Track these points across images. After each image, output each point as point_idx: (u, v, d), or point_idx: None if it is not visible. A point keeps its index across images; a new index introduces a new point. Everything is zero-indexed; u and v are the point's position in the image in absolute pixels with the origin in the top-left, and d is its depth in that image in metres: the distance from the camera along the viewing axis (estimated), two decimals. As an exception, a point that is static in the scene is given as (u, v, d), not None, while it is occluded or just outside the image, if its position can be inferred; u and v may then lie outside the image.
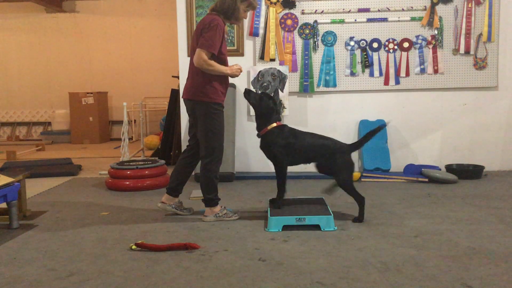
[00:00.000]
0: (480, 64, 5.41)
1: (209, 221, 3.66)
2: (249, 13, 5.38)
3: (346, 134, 5.56)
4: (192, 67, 3.62)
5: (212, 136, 3.57)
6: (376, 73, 5.47)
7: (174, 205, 3.84)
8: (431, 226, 3.45)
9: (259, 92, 5.39)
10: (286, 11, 5.45)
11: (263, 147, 3.72)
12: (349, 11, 5.43)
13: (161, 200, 3.86)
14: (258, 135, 3.73)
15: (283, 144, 3.63)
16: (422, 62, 5.44)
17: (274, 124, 3.67)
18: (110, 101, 10.34)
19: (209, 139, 3.57)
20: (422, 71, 5.45)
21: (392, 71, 5.46)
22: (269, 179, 5.20)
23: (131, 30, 10.13)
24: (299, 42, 5.48)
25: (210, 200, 3.67)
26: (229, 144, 5.35)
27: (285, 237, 3.23)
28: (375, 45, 5.45)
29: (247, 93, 3.74)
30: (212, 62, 3.47)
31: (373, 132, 3.68)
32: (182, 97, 3.76)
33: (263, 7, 5.45)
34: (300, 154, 3.69)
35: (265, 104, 3.68)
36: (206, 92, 3.53)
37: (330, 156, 3.65)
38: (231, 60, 5.47)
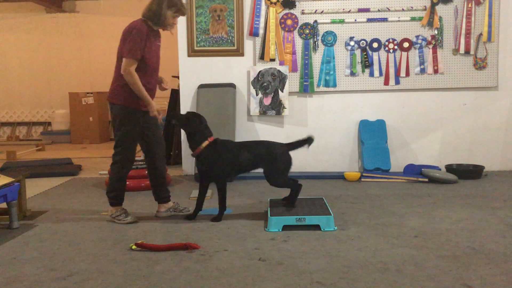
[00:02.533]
0: (480, 64, 5.41)
1: (107, 219, 3.73)
2: (249, 13, 5.45)
3: (346, 134, 5.57)
4: (115, 70, 3.66)
5: (118, 140, 3.63)
6: (376, 73, 5.47)
7: (171, 209, 3.85)
8: (431, 226, 3.45)
9: (259, 92, 5.41)
10: (286, 11, 5.45)
11: (199, 167, 3.68)
12: (349, 11, 5.43)
13: (157, 210, 3.88)
14: (193, 155, 3.69)
15: (219, 160, 3.61)
16: (422, 62, 5.44)
17: (207, 142, 3.63)
18: (110, 101, 10.33)
19: (120, 140, 3.63)
20: (422, 71, 5.45)
21: (392, 71, 5.46)
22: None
23: (131, 30, 10.11)
24: (299, 42, 5.48)
25: (109, 198, 3.73)
26: (229, 144, 5.36)
27: (285, 237, 3.23)
28: (375, 45, 5.45)
29: (172, 117, 3.69)
30: (136, 77, 3.47)
31: (304, 141, 3.77)
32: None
33: (263, 7, 5.45)
34: (238, 166, 3.67)
35: (192, 124, 3.64)
36: (121, 96, 3.57)
37: (266, 159, 3.65)
38: (231, 60, 5.55)
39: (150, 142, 3.75)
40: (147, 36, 3.53)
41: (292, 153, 5.64)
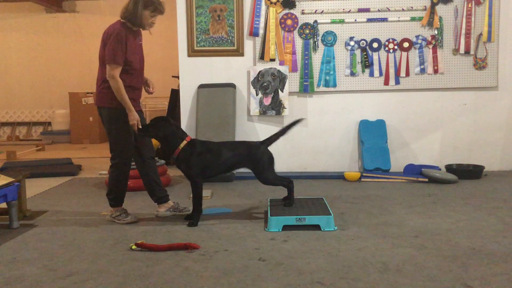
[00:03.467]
0: (480, 64, 5.41)
1: (107, 219, 3.74)
2: (249, 13, 5.44)
3: (346, 134, 5.57)
4: (98, 74, 3.64)
5: (113, 142, 3.64)
6: (376, 73, 5.47)
7: (171, 208, 3.85)
8: (431, 226, 3.45)
9: (259, 92, 5.41)
10: (286, 11, 5.45)
11: (179, 167, 3.65)
12: (349, 11, 5.43)
13: (157, 210, 3.88)
14: (173, 158, 3.67)
15: (198, 161, 3.58)
16: (422, 62, 5.44)
17: (185, 142, 3.59)
18: (110, 101, 10.33)
19: (111, 144, 3.65)
20: (422, 71, 5.45)
21: (392, 71, 5.46)
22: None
23: (131, 30, 10.11)
24: (299, 42, 5.48)
25: (109, 199, 3.74)
26: (229, 144, 5.36)
27: (285, 237, 3.23)
28: (375, 45, 5.45)
29: (142, 131, 3.58)
30: (120, 84, 3.45)
31: (288, 127, 3.80)
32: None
33: (263, 7, 5.45)
34: (217, 165, 3.65)
35: (163, 129, 3.58)
36: (107, 98, 3.56)
37: (249, 159, 3.66)
38: (231, 60, 5.55)
39: (138, 145, 3.74)
40: (127, 39, 3.51)
41: (291, 153, 5.64)
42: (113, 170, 3.71)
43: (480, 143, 5.55)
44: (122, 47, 3.47)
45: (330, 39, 5.45)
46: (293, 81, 5.50)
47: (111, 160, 3.70)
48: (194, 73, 5.56)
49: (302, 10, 5.45)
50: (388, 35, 5.44)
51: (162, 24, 9.72)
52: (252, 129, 5.56)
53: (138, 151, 3.76)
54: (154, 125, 3.60)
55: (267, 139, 3.78)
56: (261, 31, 5.48)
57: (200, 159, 3.58)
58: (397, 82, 5.47)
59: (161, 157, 6.47)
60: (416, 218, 3.67)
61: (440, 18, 5.39)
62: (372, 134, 5.43)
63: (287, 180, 3.74)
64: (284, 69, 5.43)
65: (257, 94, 5.45)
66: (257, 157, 3.65)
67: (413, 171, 5.18)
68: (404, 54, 5.43)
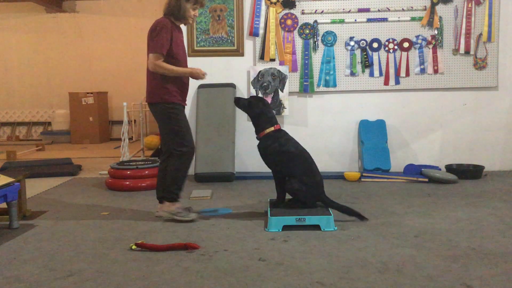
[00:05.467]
0: (480, 64, 5.41)
1: (160, 216, 3.70)
2: (249, 13, 5.45)
3: (346, 134, 5.57)
4: (147, 72, 3.67)
5: (172, 135, 3.64)
6: (376, 73, 5.47)
7: (170, 210, 3.83)
8: (431, 226, 3.45)
9: (259, 92, 5.42)
10: (286, 11, 5.45)
11: (259, 150, 3.74)
12: (349, 11, 5.43)
13: (157, 210, 3.85)
14: (257, 138, 3.76)
15: (277, 150, 3.64)
16: (422, 62, 5.44)
17: (272, 128, 3.69)
18: (110, 101, 10.34)
19: (170, 138, 3.64)
20: (422, 71, 5.45)
21: (392, 71, 5.46)
22: (269, 179, 5.18)
23: (131, 30, 10.12)
24: (299, 42, 5.48)
25: (170, 194, 3.69)
26: (229, 144, 5.36)
27: (285, 237, 3.23)
28: (375, 45, 5.45)
29: (237, 101, 3.81)
30: (165, 64, 3.53)
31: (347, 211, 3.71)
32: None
33: (263, 7, 5.45)
34: (287, 166, 3.64)
35: (255, 107, 3.71)
36: (159, 94, 3.60)
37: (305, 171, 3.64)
38: (231, 60, 5.55)
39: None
40: (172, 31, 3.58)
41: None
42: (183, 159, 3.64)
43: (480, 143, 5.55)
44: (167, 38, 3.53)
45: (330, 39, 5.45)
46: (293, 81, 5.50)
47: (177, 149, 3.63)
48: (194, 73, 5.56)
49: (302, 10, 5.45)
50: (388, 35, 5.44)
51: (162, 24, 9.76)
52: (252, 129, 5.54)
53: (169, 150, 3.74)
54: (248, 101, 3.75)
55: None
56: (261, 31, 5.48)
57: (279, 150, 3.63)
58: (397, 82, 5.47)
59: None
60: (416, 218, 3.67)
61: (440, 18, 5.39)
62: (372, 134, 5.43)
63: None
64: (284, 69, 5.43)
65: (257, 94, 5.45)
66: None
67: (413, 171, 5.18)
68: (404, 54, 5.43)
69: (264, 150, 3.69)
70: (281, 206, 3.68)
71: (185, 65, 3.74)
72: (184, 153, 3.66)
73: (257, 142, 3.77)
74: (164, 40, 3.52)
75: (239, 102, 3.80)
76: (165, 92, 3.60)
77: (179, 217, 3.64)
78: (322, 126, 5.57)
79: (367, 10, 5.43)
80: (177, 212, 3.66)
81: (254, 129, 3.80)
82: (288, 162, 3.64)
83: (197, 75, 3.68)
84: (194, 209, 3.93)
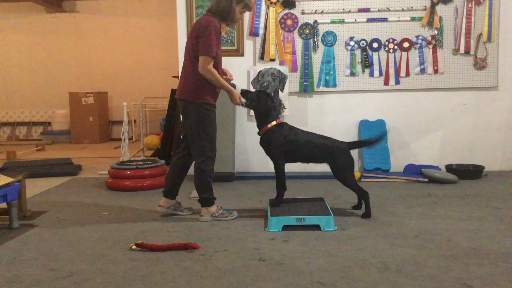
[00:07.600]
0: (480, 64, 5.41)
1: (205, 221, 3.67)
2: (249, 13, 5.44)
3: (346, 134, 5.56)
4: (186, 68, 3.64)
5: (204, 137, 3.60)
6: (376, 73, 5.47)
7: (172, 207, 3.84)
8: (431, 226, 3.45)
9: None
10: (286, 11, 5.45)
11: (263, 144, 3.76)
12: (349, 11, 5.43)
13: (159, 204, 3.86)
14: (259, 133, 3.77)
15: (282, 143, 3.67)
16: (422, 62, 5.44)
17: (274, 122, 3.72)
18: (110, 101, 10.34)
19: (200, 139, 3.61)
20: (422, 71, 5.46)
21: (392, 71, 5.46)
22: (269, 179, 5.20)
23: (131, 30, 10.13)
24: (299, 42, 5.48)
25: (206, 199, 3.69)
26: (229, 144, 5.35)
27: (285, 237, 3.23)
28: (375, 45, 5.45)
29: (244, 93, 3.79)
30: (215, 72, 3.51)
31: (376, 140, 3.80)
32: (175, 97, 3.78)
33: (263, 7, 5.45)
34: (299, 153, 3.73)
35: (263, 102, 3.73)
36: (197, 93, 3.57)
37: (329, 156, 3.67)
38: (231, 60, 5.54)
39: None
40: (220, 33, 3.57)
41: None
42: (210, 163, 3.65)
43: (480, 143, 5.55)
44: (217, 40, 3.51)
45: (330, 39, 5.45)
46: (293, 81, 5.50)
47: (195, 159, 3.64)
48: (194, 73, 5.56)
49: (302, 10, 5.45)
50: (388, 35, 5.44)
51: (162, 24, 9.80)
52: (252, 128, 5.55)
53: (188, 147, 3.73)
54: (257, 95, 3.77)
55: (353, 142, 3.93)
56: (261, 31, 5.48)
57: (284, 142, 3.67)
58: (397, 82, 5.47)
59: (161, 157, 6.49)
60: (416, 218, 3.67)
61: (440, 18, 5.39)
62: (372, 134, 5.41)
63: (364, 191, 3.75)
64: (284, 69, 5.43)
65: (257, 94, 5.45)
66: (338, 155, 3.68)
67: (413, 171, 5.19)
68: (404, 54, 5.43)
69: (268, 143, 3.70)
70: (280, 204, 3.68)
71: (221, 64, 3.69)
72: (213, 159, 3.68)
73: (258, 141, 3.78)
74: (215, 42, 3.48)
75: (247, 95, 3.79)
76: (205, 93, 3.57)
77: (223, 218, 3.68)
78: (322, 126, 5.57)
79: (367, 10, 5.43)
80: (219, 214, 3.69)
81: (254, 129, 3.80)
82: (306, 150, 3.70)
83: (235, 99, 3.71)
84: (194, 209, 3.94)
